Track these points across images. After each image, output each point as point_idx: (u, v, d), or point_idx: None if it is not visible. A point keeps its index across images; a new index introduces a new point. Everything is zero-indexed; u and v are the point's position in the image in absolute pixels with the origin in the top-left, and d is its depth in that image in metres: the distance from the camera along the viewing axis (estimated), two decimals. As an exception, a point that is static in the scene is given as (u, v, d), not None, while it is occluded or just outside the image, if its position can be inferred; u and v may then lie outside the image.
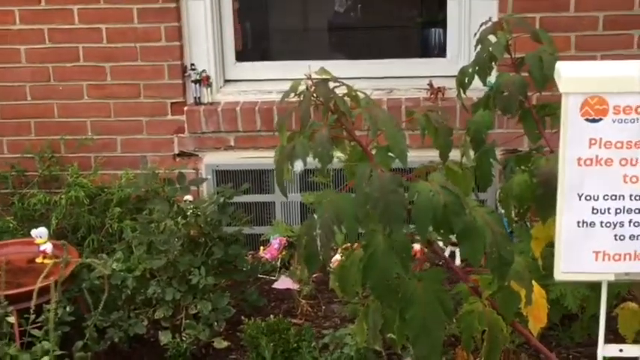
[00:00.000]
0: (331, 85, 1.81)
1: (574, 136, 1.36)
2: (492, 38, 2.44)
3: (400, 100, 3.66)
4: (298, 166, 1.76)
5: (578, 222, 1.41)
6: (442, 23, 3.82)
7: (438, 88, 3.64)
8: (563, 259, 1.43)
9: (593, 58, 3.48)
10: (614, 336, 2.43)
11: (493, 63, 2.44)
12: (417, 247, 2.86)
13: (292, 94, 1.81)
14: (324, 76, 1.80)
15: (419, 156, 2.22)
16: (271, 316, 2.85)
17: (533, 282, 2.03)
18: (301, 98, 1.78)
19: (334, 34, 5.15)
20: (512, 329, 2.05)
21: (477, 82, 2.50)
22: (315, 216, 1.75)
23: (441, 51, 3.93)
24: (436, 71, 3.74)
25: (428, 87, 3.66)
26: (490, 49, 2.36)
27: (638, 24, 3.47)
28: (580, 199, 1.39)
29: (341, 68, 3.85)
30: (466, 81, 2.46)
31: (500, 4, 3.49)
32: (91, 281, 2.80)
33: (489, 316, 1.92)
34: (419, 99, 3.67)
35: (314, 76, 1.79)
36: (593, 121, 1.35)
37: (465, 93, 2.50)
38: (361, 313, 2.03)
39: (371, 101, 1.88)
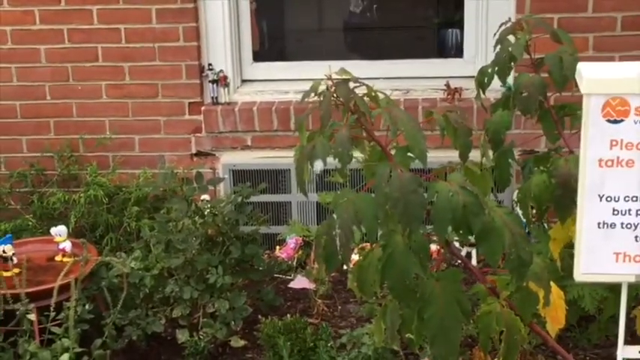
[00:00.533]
0: (351, 85, 1.81)
1: (595, 137, 1.36)
2: (512, 38, 2.44)
3: (417, 101, 3.66)
4: (318, 165, 1.77)
5: (599, 223, 1.41)
6: (459, 24, 3.82)
7: (455, 88, 3.64)
8: (583, 260, 1.43)
9: (612, 59, 3.46)
10: (631, 337, 2.42)
11: (512, 63, 2.44)
12: (433, 247, 2.86)
13: (312, 94, 1.82)
14: (344, 77, 1.80)
15: (437, 157, 2.22)
16: (288, 315, 2.86)
17: (552, 283, 2.03)
18: (321, 98, 1.79)
19: (350, 35, 5.15)
20: (529, 330, 2.05)
21: (494, 82, 2.50)
22: (334, 216, 1.76)
23: (457, 51, 3.93)
24: (453, 72, 3.73)
25: (445, 87, 3.65)
26: (510, 49, 2.36)
27: (657, 25, 3.44)
28: (601, 200, 1.39)
29: (358, 68, 3.81)
30: (485, 81, 2.46)
31: (518, 5, 3.48)
32: (109, 279, 2.82)
33: (507, 317, 1.92)
34: (436, 99, 3.67)
35: (333, 76, 1.80)
36: (615, 122, 1.35)
37: (484, 93, 2.50)
38: (379, 313, 2.03)
39: (391, 101, 1.89)
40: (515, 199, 2.55)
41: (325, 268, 1.85)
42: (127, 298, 2.74)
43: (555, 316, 2.14)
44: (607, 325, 2.74)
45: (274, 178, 3.71)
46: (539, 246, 2.62)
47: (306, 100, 1.84)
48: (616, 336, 2.87)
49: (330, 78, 1.79)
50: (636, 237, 1.40)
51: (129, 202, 3.51)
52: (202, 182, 2.89)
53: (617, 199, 1.39)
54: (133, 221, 3.44)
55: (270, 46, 4.52)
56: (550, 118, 2.43)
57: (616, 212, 1.40)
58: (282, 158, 3.64)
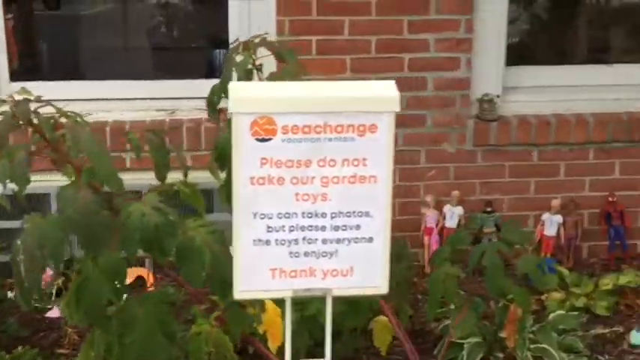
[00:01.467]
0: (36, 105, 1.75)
1: (246, 156, 1.37)
2: (239, 58, 2.45)
3: (182, 121, 3.63)
4: (-1, 189, 1.69)
5: (254, 240, 1.42)
6: (225, 44, 3.83)
7: (220, 109, 3.62)
8: (241, 278, 1.44)
9: (368, 79, 3.59)
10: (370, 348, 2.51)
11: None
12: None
13: (-6, 115, 1.73)
14: (24, 96, 1.73)
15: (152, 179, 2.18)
16: (19, 347, 2.70)
17: (268, 301, 2.06)
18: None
19: (122, 54, 5.06)
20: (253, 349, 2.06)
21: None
22: (19, 241, 1.68)
23: (225, 72, 3.94)
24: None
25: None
26: (233, 68, 2.37)
27: (407, 48, 3.62)
28: (255, 218, 1.40)
29: (123, 88, 3.81)
30: (215, 100, 2.46)
31: (278, 27, 3.55)
32: None
33: (216, 337, 1.92)
34: (201, 119, 3.65)
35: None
36: (264, 140, 1.37)
37: (215, 111, 2.50)
38: (87, 340, 1.96)
39: (84, 122, 1.83)
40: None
41: (22, 298, 1.76)
42: None
43: (274, 333, 2.17)
44: (350, 338, 2.81)
45: (35, 202, 3.52)
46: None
47: None
48: (362, 348, 2.96)
49: (11, 97, 1.72)
50: (291, 253, 1.42)
51: None
52: None
53: (270, 216, 1.41)
54: None
55: (34, 65, 4.33)
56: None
57: (270, 229, 1.41)
58: (42, 182, 3.46)
